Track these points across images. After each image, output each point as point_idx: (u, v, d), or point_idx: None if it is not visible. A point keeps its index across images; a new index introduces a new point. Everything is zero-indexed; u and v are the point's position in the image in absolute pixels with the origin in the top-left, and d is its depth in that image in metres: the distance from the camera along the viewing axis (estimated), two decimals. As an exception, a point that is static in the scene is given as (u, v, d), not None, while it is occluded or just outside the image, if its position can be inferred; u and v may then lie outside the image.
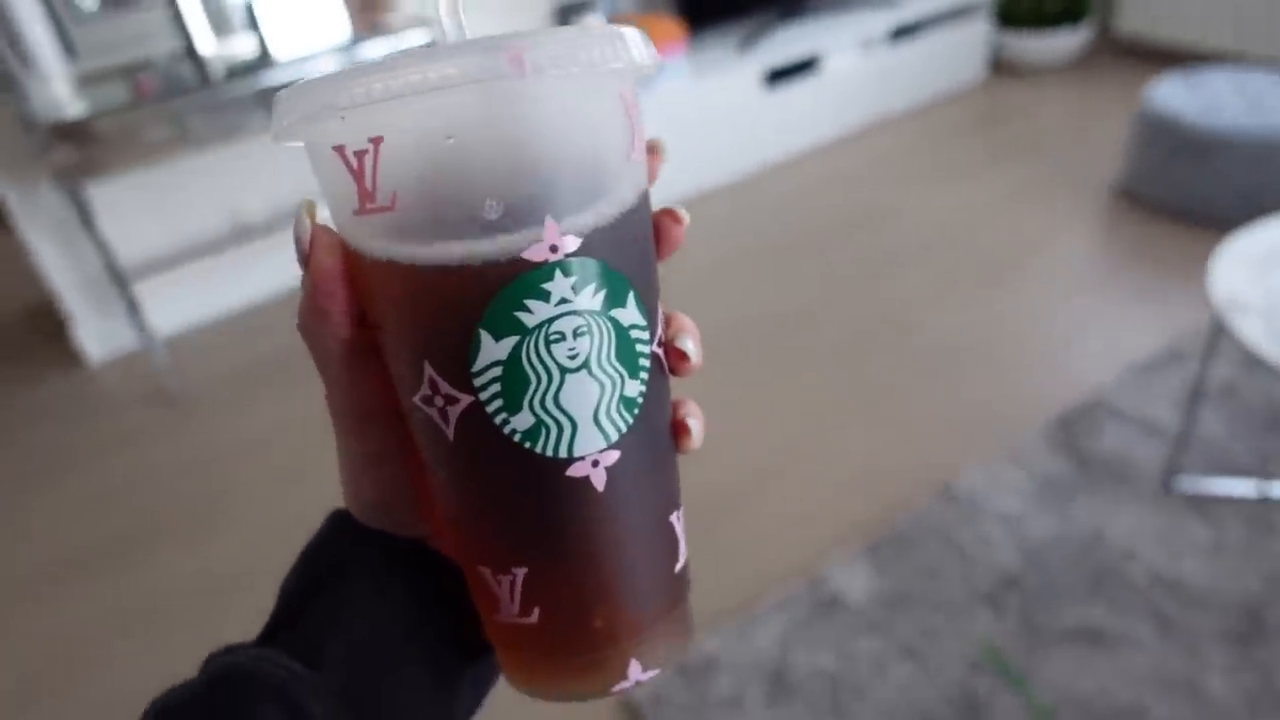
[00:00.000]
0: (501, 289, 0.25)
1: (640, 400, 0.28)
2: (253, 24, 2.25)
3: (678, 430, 0.31)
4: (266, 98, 2.22)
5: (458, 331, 0.26)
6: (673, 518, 0.30)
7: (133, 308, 2.19)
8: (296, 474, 1.92)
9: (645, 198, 0.29)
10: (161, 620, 1.62)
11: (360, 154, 0.25)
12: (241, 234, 2.46)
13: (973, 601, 1.41)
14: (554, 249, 0.25)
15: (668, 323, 0.31)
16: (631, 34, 0.26)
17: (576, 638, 0.29)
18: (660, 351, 0.29)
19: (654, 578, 0.29)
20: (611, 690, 0.29)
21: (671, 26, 2.75)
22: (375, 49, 2.34)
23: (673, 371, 0.30)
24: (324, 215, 0.28)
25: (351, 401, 0.29)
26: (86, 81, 2.19)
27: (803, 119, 3.06)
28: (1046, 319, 2.11)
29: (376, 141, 0.24)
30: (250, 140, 2.39)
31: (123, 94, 2.16)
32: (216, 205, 2.47)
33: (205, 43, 2.21)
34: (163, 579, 1.70)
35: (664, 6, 2.89)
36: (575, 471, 0.27)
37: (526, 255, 0.25)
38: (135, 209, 2.35)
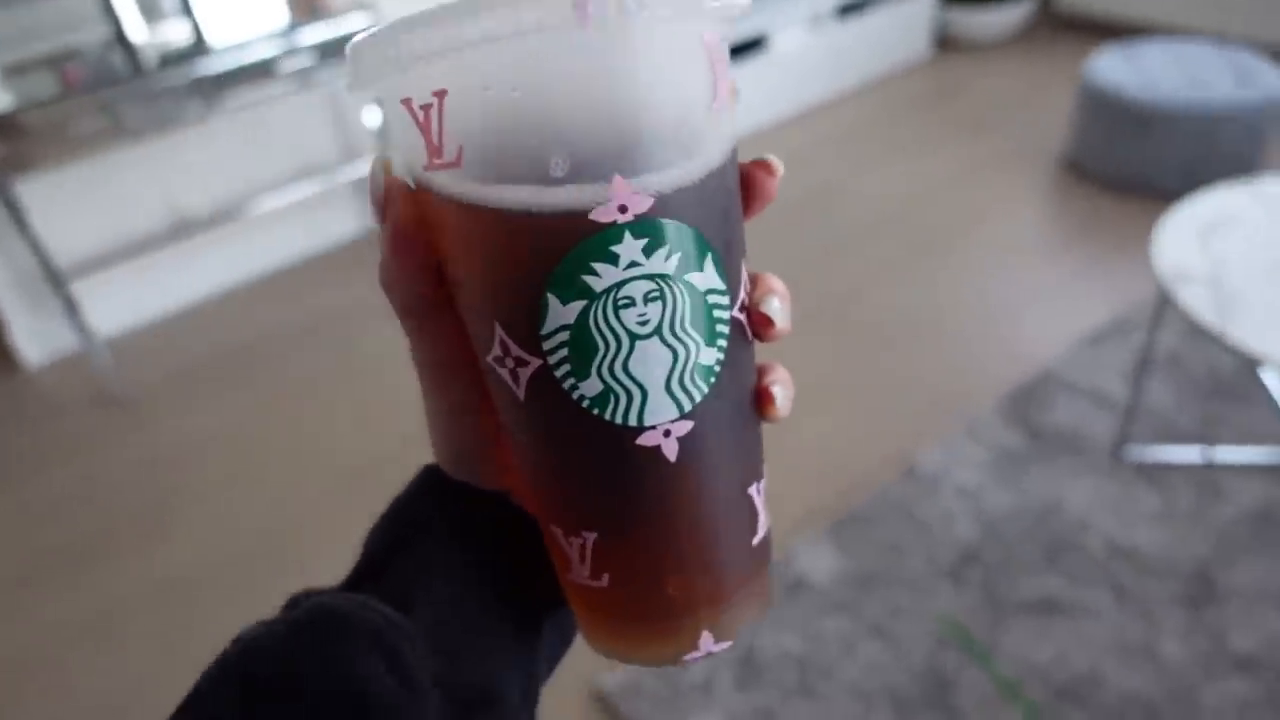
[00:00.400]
0: (568, 250, 0.24)
1: (717, 369, 0.27)
2: (186, 9, 2.17)
3: (761, 398, 0.29)
4: (202, 86, 2.15)
5: (526, 293, 0.25)
6: (752, 489, 0.29)
7: (70, 308, 2.11)
8: (247, 474, 1.88)
9: (730, 152, 0.27)
10: (115, 629, 1.57)
11: (426, 107, 0.24)
12: (181, 229, 2.38)
13: (936, 577, 1.44)
14: (623, 209, 0.24)
15: (754, 284, 0.29)
16: None
17: (648, 605, 0.28)
18: (743, 317, 0.28)
19: (729, 550, 0.29)
20: (683, 660, 0.29)
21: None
22: (315, 34, 2.27)
23: (757, 337, 0.29)
24: (399, 169, 0.27)
25: (431, 355, 0.30)
26: (10, 72, 2.09)
27: (751, 98, 3.05)
28: (998, 293, 2.14)
29: (440, 94, 0.24)
30: (187, 130, 2.31)
31: (50, 85, 2.07)
32: (154, 199, 2.38)
33: (136, 29, 2.12)
34: (114, 587, 1.65)
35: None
36: (646, 440, 0.26)
37: (594, 216, 0.24)
38: (69, 205, 2.26)
